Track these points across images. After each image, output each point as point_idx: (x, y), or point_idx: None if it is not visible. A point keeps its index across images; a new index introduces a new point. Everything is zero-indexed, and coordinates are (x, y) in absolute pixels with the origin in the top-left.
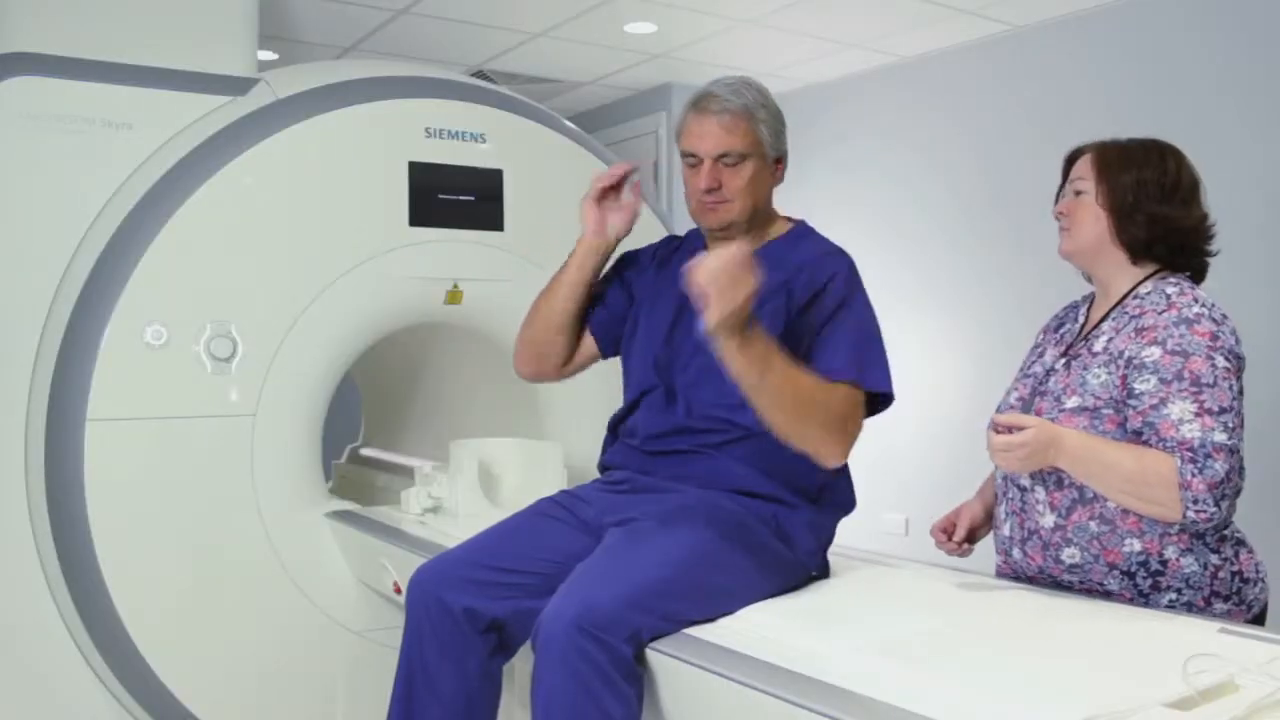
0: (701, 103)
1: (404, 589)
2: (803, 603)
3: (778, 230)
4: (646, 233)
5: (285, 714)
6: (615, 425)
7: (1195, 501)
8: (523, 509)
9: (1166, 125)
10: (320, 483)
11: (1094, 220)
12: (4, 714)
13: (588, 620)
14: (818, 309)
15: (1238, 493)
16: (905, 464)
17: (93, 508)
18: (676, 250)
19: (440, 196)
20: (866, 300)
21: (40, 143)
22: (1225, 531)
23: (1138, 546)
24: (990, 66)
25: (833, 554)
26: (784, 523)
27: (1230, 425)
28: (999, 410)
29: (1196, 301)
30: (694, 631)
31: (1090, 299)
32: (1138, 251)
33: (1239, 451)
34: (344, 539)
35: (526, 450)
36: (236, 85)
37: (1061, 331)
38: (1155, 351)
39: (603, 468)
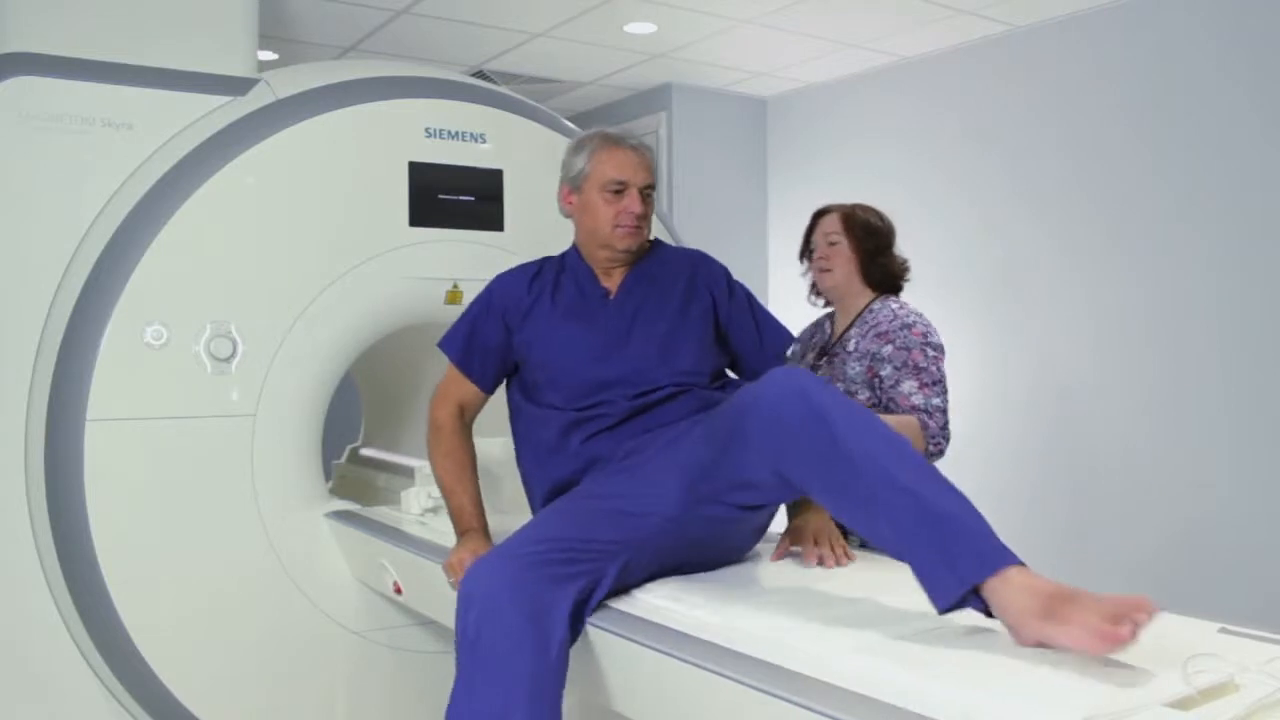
0: (619, 138)
1: (404, 589)
2: (801, 602)
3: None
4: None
5: (285, 714)
6: (560, 435)
7: (933, 439)
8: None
9: (1166, 125)
10: (320, 483)
11: (846, 262)
12: (4, 714)
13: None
14: (733, 303)
15: (948, 438)
16: None
17: (93, 508)
18: (561, 273)
19: (440, 196)
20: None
21: (40, 143)
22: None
23: None
24: (990, 66)
25: None
26: None
27: (939, 392)
28: None
29: (910, 312)
30: (680, 626)
31: (830, 316)
32: (873, 285)
33: (946, 410)
34: (344, 539)
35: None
36: (236, 85)
37: (814, 340)
38: (889, 349)
39: (567, 480)
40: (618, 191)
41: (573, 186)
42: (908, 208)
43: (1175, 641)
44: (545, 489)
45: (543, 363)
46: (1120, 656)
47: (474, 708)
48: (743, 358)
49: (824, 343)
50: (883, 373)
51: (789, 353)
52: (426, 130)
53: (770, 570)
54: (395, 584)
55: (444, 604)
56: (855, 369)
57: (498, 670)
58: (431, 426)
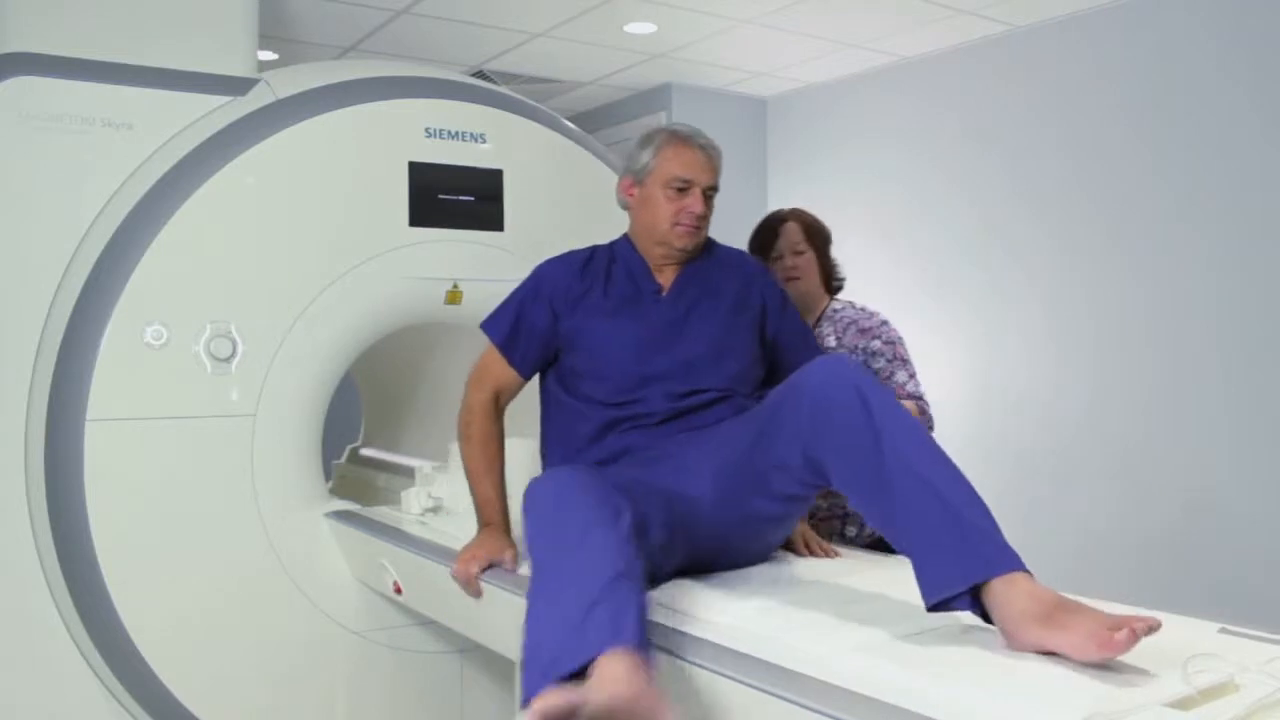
0: (688, 136)
1: (404, 589)
2: (801, 602)
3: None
4: None
5: (285, 714)
6: (602, 428)
7: (931, 420)
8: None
9: (1166, 125)
10: (320, 483)
11: (812, 270)
12: (4, 714)
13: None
14: (785, 318)
15: (932, 425)
16: None
17: (93, 508)
18: (613, 263)
19: (440, 196)
20: None
21: (40, 143)
22: None
23: None
24: (990, 66)
25: None
26: None
27: (918, 382)
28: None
29: (876, 311)
30: (680, 626)
31: None
32: (832, 291)
33: (922, 393)
34: (344, 539)
35: (527, 450)
36: (236, 85)
37: None
38: (877, 343)
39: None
40: (681, 190)
41: (635, 179)
42: (908, 207)
43: (1175, 641)
44: None
45: (589, 353)
46: (1120, 657)
47: (556, 593)
48: (786, 374)
49: None
50: (876, 366)
51: None
52: (426, 130)
53: (770, 570)
54: (395, 584)
55: (444, 604)
56: None
57: (574, 552)
58: (465, 409)
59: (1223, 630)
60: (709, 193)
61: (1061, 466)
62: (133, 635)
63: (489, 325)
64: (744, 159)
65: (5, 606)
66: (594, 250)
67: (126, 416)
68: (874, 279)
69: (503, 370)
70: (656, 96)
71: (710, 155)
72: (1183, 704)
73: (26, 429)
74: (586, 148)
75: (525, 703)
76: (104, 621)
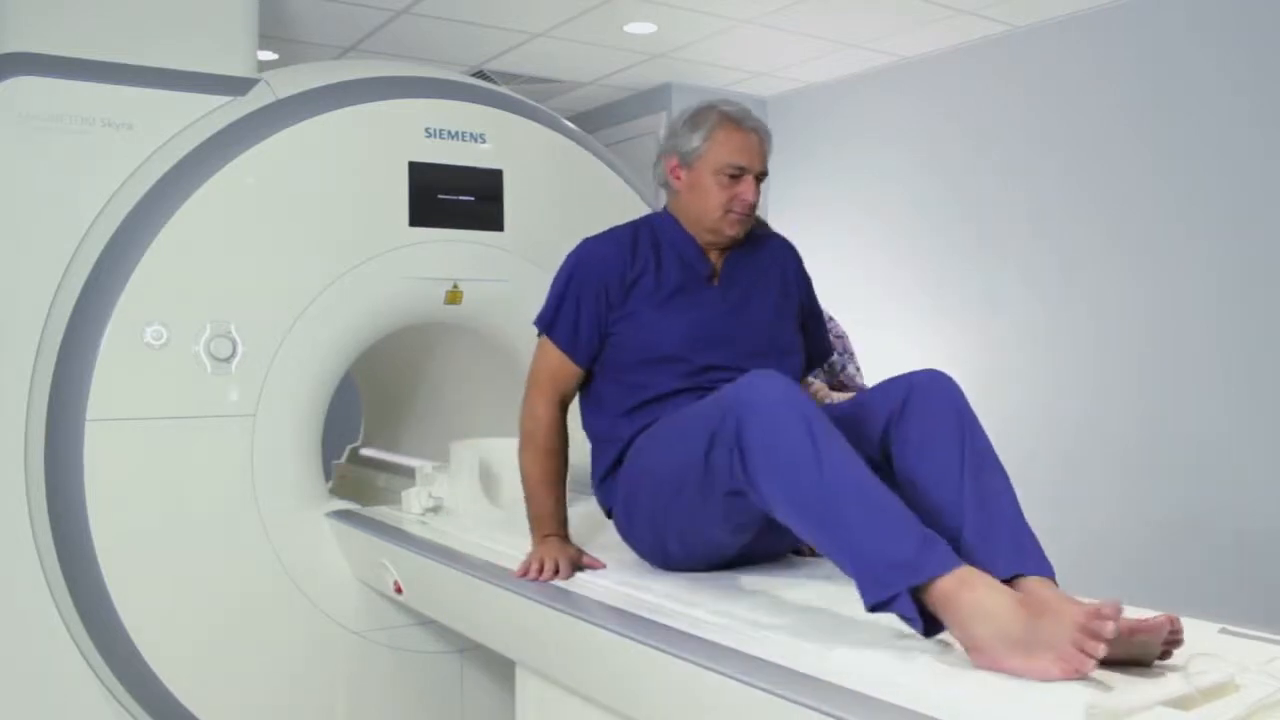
0: (740, 119)
1: (405, 589)
2: (801, 601)
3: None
4: None
5: (285, 714)
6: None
7: None
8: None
9: (1166, 125)
10: (320, 483)
11: None
12: (4, 714)
13: None
14: (810, 306)
15: None
16: None
17: (93, 508)
18: (659, 247)
19: (440, 197)
20: None
21: (40, 143)
22: None
23: None
24: (990, 66)
25: None
26: None
27: (863, 372)
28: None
29: (824, 309)
30: (680, 625)
31: None
32: None
33: None
34: (344, 539)
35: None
36: (236, 85)
37: None
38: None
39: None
40: (734, 177)
41: (683, 162)
42: (908, 207)
43: None
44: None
45: (647, 344)
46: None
47: (883, 506)
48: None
49: None
50: (831, 359)
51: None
52: (426, 130)
53: (770, 570)
54: (396, 584)
55: (444, 604)
56: None
57: (868, 477)
58: (530, 419)
59: (1223, 630)
60: (760, 178)
61: (1061, 466)
62: (133, 635)
63: (549, 326)
64: None
65: (5, 607)
66: (636, 228)
67: (126, 416)
68: (874, 279)
69: (565, 371)
70: (656, 96)
71: (763, 138)
72: (1183, 704)
73: (26, 429)
74: (586, 148)
75: (892, 592)
76: (104, 621)
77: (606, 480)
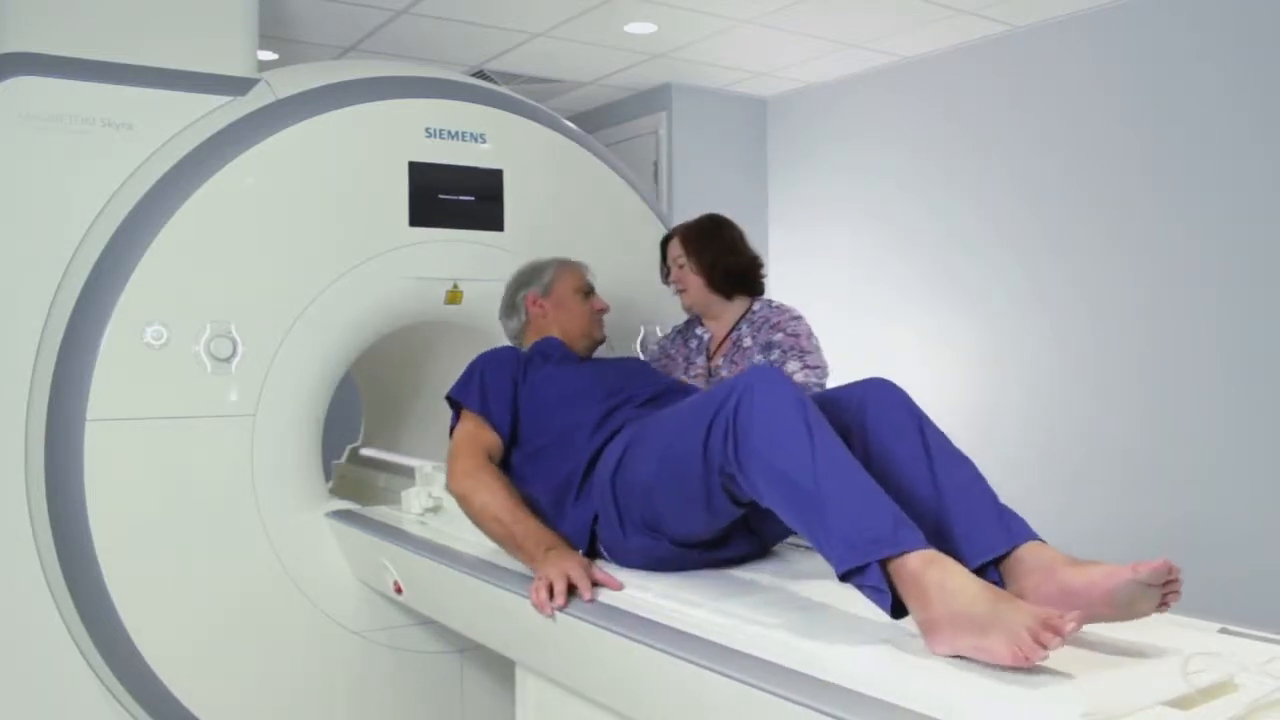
0: (572, 259)
1: (405, 589)
2: (801, 601)
3: None
4: (646, 231)
5: (285, 714)
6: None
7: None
8: None
9: (1165, 125)
10: (320, 483)
11: (695, 281)
12: (4, 715)
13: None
14: None
15: None
16: None
17: (93, 508)
18: (548, 359)
19: (440, 196)
20: None
21: (40, 143)
22: None
23: None
24: (990, 66)
25: None
26: None
27: (821, 376)
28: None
29: (791, 309)
30: (680, 625)
31: (694, 323)
32: (728, 292)
33: (824, 385)
34: (344, 539)
35: None
36: (236, 85)
37: (692, 345)
38: (779, 335)
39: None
40: (589, 294)
41: (543, 293)
42: (908, 207)
43: (1175, 641)
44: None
45: (561, 386)
46: (1120, 655)
47: (858, 484)
48: None
49: (706, 347)
50: (771, 356)
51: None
52: (426, 130)
53: (770, 568)
54: (396, 583)
55: (444, 604)
56: (759, 359)
57: (848, 459)
58: (463, 476)
59: (1223, 630)
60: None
61: (1060, 466)
62: (133, 635)
63: (461, 395)
64: (744, 159)
65: (5, 607)
66: (545, 345)
67: (126, 416)
68: (873, 278)
69: (483, 435)
70: (656, 96)
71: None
72: (1183, 703)
73: (26, 429)
74: (586, 148)
75: (866, 560)
76: (104, 621)
77: (580, 499)
